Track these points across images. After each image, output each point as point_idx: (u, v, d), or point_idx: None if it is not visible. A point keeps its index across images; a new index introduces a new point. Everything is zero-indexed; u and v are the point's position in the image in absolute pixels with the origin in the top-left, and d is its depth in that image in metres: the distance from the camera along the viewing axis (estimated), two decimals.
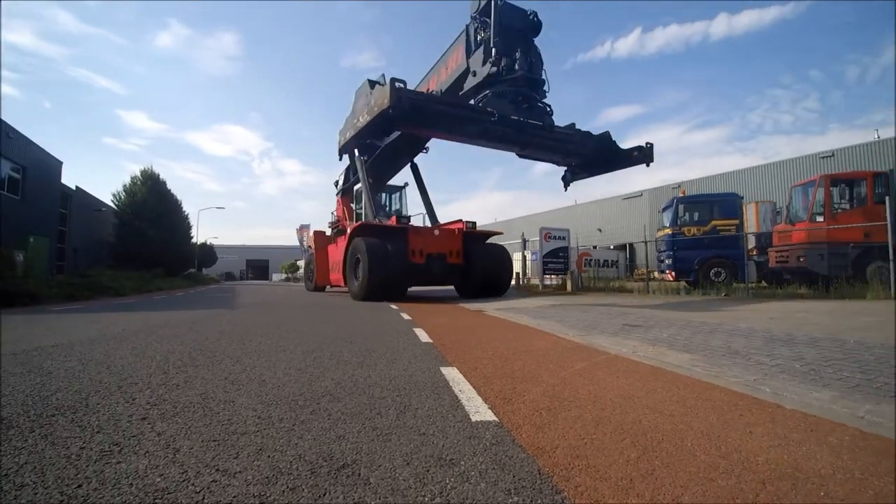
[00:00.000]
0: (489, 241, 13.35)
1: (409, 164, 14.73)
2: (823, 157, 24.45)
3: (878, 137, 22.80)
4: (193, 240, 39.33)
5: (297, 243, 66.88)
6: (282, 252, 77.74)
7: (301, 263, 63.08)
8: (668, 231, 14.83)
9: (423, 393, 2.36)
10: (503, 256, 12.87)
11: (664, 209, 15.99)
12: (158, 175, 31.15)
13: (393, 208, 16.16)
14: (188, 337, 4.60)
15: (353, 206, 14.58)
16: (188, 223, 35.67)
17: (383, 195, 15.96)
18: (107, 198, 30.36)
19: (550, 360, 3.31)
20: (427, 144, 13.79)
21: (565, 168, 10.02)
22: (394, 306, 8.99)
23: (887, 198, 9.67)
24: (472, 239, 12.47)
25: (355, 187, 14.29)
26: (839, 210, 11.41)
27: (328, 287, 17.16)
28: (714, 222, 14.16)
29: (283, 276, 63.64)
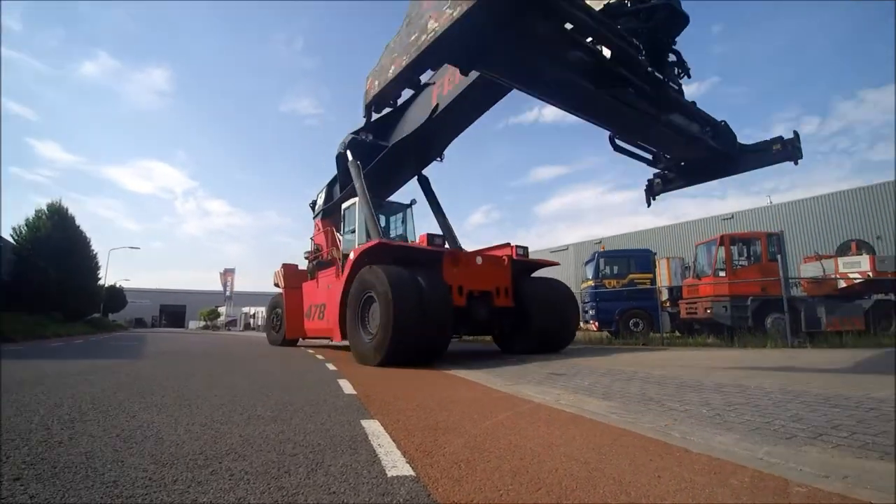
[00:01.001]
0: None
1: (417, 179, 10.88)
2: (725, 219, 27.25)
3: (771, 203, 26.18)
4: (101, 281, 36.03)
5: (221, 287, 63.37)
6: (201, 297, 72.73)
7: (223, 310, 59.44)
8: (591, 283, 15.63)
9: (339, 448, 2.23)
10: (568, 297, 8.99)
11: (587, 262, 16.93)
12: (67, 209, 28.61)
13: (393, 234, 11.34)
14: (81, 389, 4.11)
15: (340, 229, 10.31)
16: (96, 263, 32.73)
17: (381, 217, 10.93)
18: (6, 232, 27.32)
19: (475, 410, 3.27)
20: (444, 151, 10.07)
21: (655, 174, 6.96)
22: (320, 356, 8.61)
23: (779, 256, 10.90)
24: (521, 271, 8.90)
25: (345, 205, 10.21)
26: (738, 266, 12.63)
27: (301, 339, 12.80)
28: (631, 276, 15.16)
29: (202, 323, 59.36)
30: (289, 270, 12.64)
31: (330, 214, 11.73)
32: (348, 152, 9.59)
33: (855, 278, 12.43)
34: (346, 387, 4.40)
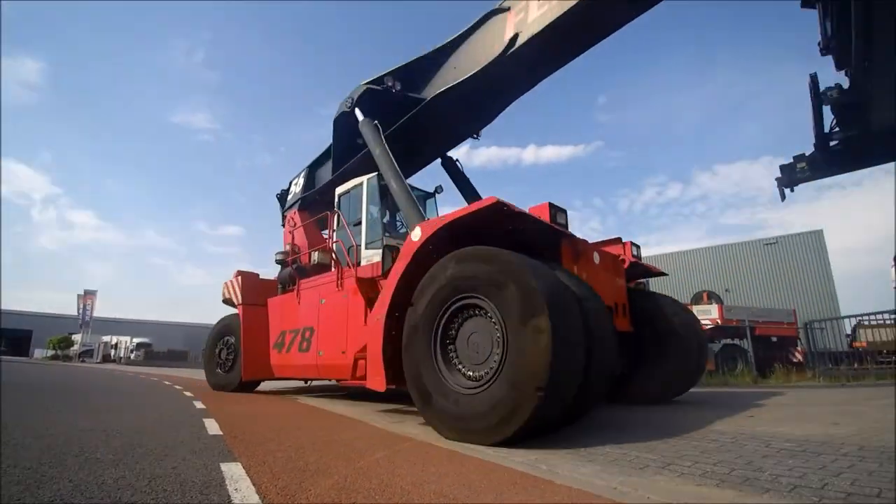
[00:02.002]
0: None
1: (442, 162, 8.23)
2: None
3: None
4: None
5: (76, 312, 54.73)
6: (52, 322, 62.46)
7: (78, 338, 51.24)
8: None
9: (189, 495, 1.98)
10: (698, 324, 6.40)
11: None
12: None
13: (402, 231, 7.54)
14: None
15: (335, 224, 7.18)
16: None
17: (383, 212, 7.43)
18: None
19: (353, 449, 3.12)
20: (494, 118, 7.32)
21: (797, 156, 5.44)
22: (188, 392, 7.76)
23: None
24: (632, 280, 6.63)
25: (342, 189, 7.23)
26: None
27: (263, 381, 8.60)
28: None
29: (50, 352, 51.03)
30: (248, 281, 8.52)
31: (312, 206, 8.90)
32: (357, 111, 6.54)
33: (706, 324, 14.22)
34: (212, 427, 3.98)
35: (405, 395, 4.11)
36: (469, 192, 8.00)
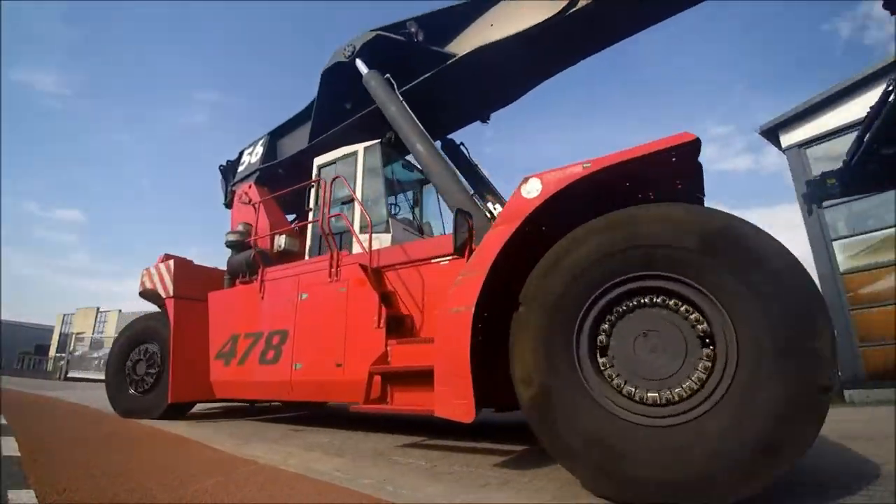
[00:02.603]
0: None
1: (443, 145, 6.69)
2: None
3: None
4: None
5: None
6: None
7: None
8: None
9: None
10: None
11: None
12: None
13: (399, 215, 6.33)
14: None
15: (314, 199, 5.90)
16: None
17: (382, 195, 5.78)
18: None
19: (182, 476, 2.80)
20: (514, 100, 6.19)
21: (825, 174, 5.09)
22: None
23: None
24: None
25: (324, 159, 5.99)
26: None
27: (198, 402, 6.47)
28: None
29: None
30: (183, 268, 6.42)
31: (272, 181, 7.00)
32: (360, 62, 5.40)
33: None
34: (9, 447, 3.31)
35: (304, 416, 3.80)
36: (479, 183, 6.46)
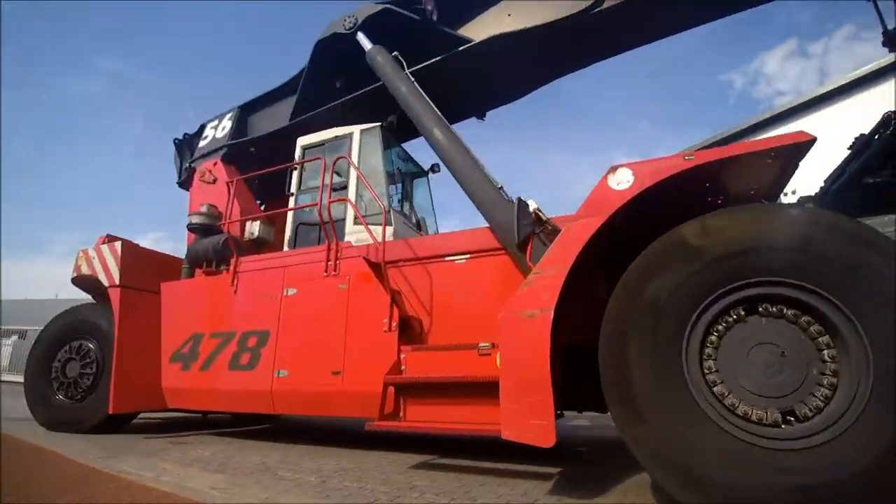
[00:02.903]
0: None
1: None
2: None
3: None
4: None
5: None
6: None
7: None
8: None
9: None
10: None
11: None
12: None
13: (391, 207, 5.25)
14: None
15: (295, 185, 5.32)
16: None
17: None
18: None
19: (23, 495, 2.46)
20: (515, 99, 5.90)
21: None
22: None
23: None
24: None
25: (310, 140, 5.43)
26: None
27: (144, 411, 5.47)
28: None
29: None
30: (131, 252, 5.46)
31: (240, 160, 6.16)
32: (361, 35, 4.97)
33: None
34: None
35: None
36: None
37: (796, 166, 2.63)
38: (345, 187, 4.86)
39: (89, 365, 5.23)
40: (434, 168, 6.07)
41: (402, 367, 3.59)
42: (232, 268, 4.84)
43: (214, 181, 5.92)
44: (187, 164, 6.83)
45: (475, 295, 3.82)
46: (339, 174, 4.84)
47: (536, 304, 2.60)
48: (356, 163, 4.88)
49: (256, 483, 2.96)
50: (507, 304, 2.73)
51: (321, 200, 4.51)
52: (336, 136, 5.20)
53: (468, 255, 3.91)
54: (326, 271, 4.29)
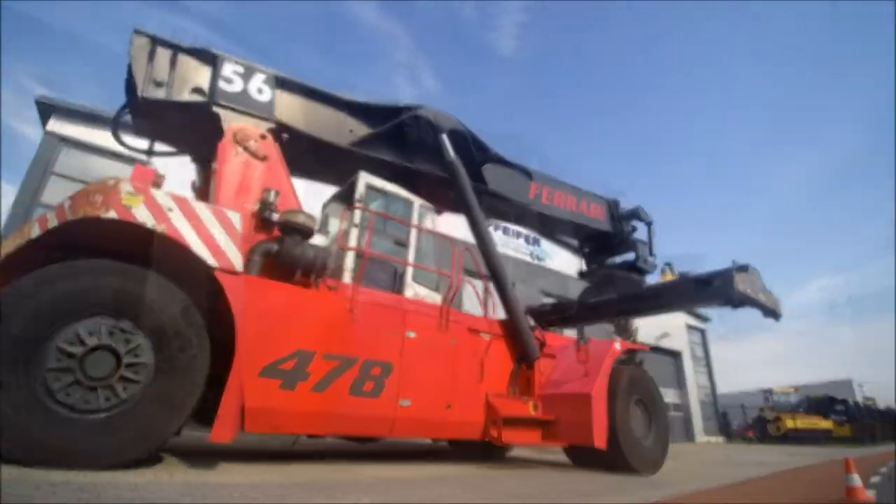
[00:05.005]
0: None
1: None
2: None
3: None
4: None
5: None
6: None
7: None
8: None
9: None
10: None
11: None
12: None
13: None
14: None
15: (355, 219, 5.19)
16: None
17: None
18: None
19: None
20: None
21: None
22: None
23: None
24: None
25: (370, 180, 5.51)
26: None
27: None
28: None
29: None
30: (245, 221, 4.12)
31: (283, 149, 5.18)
32: (445, 138, 6.04)
33: None
34: None
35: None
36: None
37: None
38: (402, 244, 5.42)
39: (136, 365, 3.30)
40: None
41: (497, 409, 5.25)
42: (351, 293, 4.62)
43: (265, 159, 4.75)
44: (204, 101, 4.84)
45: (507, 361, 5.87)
46: (398, 230, 5.45)
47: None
48: (416, 229, 5.60)
49: None
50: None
51: (454, 272, 5.47)
52: (398, 195, 5.62)
53: (491, 336, 5.79)
54: (439, 328, 5.19)
